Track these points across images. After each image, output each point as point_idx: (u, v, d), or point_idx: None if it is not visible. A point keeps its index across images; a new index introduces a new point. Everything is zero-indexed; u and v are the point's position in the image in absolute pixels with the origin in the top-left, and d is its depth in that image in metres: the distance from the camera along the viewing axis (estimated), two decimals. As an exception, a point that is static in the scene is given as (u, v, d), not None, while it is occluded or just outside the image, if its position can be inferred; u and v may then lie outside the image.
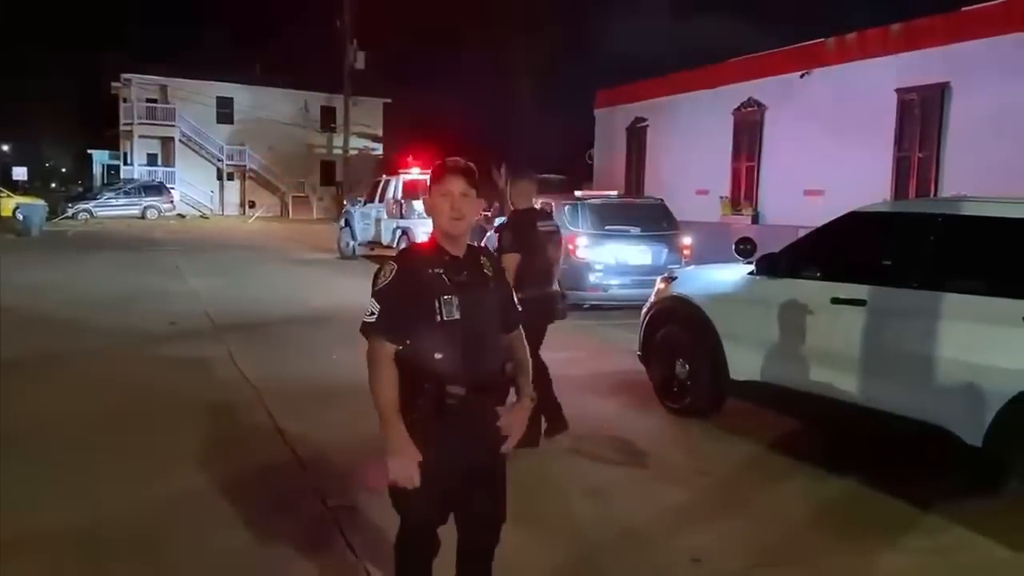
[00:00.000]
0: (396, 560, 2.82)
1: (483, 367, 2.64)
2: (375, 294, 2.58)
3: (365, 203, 18.74)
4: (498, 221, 11.26)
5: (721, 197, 17.96)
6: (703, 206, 17.68)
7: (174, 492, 4.41)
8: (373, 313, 2.56)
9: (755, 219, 17.04)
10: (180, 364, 7.49)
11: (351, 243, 18.97)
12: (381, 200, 17.94)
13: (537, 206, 5.87)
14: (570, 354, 8.55)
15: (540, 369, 5.24)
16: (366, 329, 2.58)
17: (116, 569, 3.63)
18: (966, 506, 4.38)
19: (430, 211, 2.66)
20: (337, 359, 7.59)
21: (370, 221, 18.19)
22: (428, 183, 2.73)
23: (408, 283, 2.55)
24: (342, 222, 20.08)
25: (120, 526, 4.00)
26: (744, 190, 17.66)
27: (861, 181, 13.45)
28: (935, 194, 13.01)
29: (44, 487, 4.46)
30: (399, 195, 17.33)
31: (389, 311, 2.55)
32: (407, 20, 41.19)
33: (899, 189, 13.86)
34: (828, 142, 14.79)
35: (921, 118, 13.70)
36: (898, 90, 14.03)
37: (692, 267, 7.72)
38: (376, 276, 2.61)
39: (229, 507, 4.24)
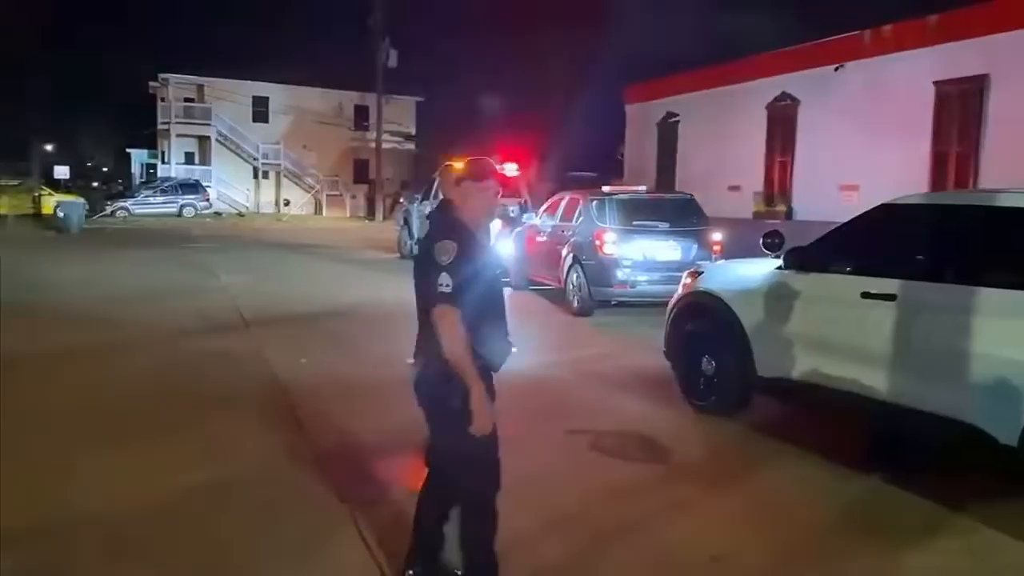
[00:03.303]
0: (476, 547, 3.04)
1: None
2: (447, 268, 2.81)
3: (421, 200, 18.55)
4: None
5: (754, 193, 17.73)
6: (736, 202, 17.48)
7: (192, 484, 4.43)
8: (448, 285, 2.81)
9: (789, 215, 16.79)
10: (210, 359, 7.54)
11: (408, 242, 18.70)
12: (436, 197, 17.69)
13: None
14: (596, 350, 8.53)
15: None
16: (444, 299, 2.82)
17: (128, 560, 3.64)
18: (999, 508, 4.25)
19: (470, 199, 3.02)
20: (378, 353, 7.63)
21: (423, 218, 18.00)
22: (465, 175, 3.08)
23: (471, 258, 2.89)
24: (401, 220, 19.66)
25: (135, 518, 4.02)
26: (778, 186, 17.41)
27: (897, 176, 13.12)
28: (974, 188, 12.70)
29: (62, 478, 4.50)
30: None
31: (461, 283, 2.83)
32: (439, 18, 41.27)
33: (936, 184, 13.56)
34: (863, 136, 14.53)
35: (959, 111, 13.40)
36: (936, 83, 13.75)
37: (718, 262, 7.59)
38: (436, 251, 2.84)
39: (245, 501, 4.25)
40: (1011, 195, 4.52)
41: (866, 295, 4.74)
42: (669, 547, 3.84)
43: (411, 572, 3.24)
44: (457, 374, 2.83)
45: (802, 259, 5.32)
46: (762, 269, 5.72)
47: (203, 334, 8.79)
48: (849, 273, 4.98)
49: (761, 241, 5.71)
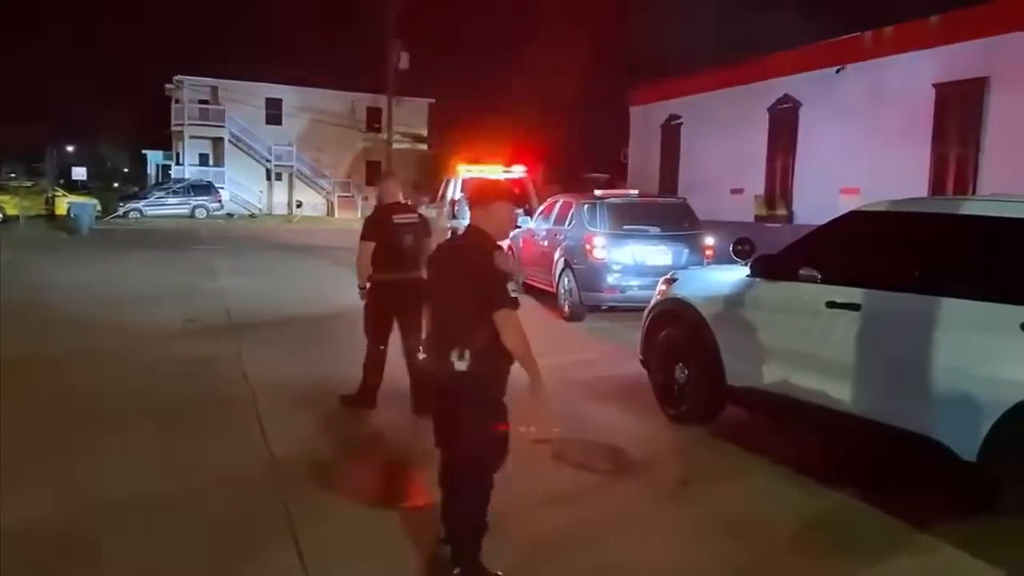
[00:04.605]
0: (467, 521, 3.35)
1: None
2: (505, 277, 3.26)
3: (430, 203, 18.43)
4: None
5: (755, 196, 17.58)
6: (739, 205, 17.35)
7: (139, 491, 4.39)
8: (515, 291, 3.29)
9: (790, 218, 16.64)
10: (186, 362, 7.53)
11: None
12: (444, 198, 17.56)
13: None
14: (579, 356, 8.45)
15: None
16: (513, 303, 3.26)
17: (62, 568, 3.62)
18: (962, 526, 4.12)
19: (503, 218, 3.46)
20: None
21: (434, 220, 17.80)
22: (497, 195, 3.49)
23: None
24: None
25: (76, 525, 4.00)
26: (779, 189, 17.27)
27: (898, 179, 12.99)
28: (974, 192, 12.52)
29: (11, 487, 4.46)
30: (458, 194, 16.68)
31: None
32: (450, 20, 41.27)
33: (937, 187, 13.40)
34: (864, 139, 14.38)
35: (959, 114, 13.22)
36: (936, 85, 13.57)
37: (692, 268, 7.50)
38: (497, 260, 3.24)
39: (186, 509, 4.19)
40: (974, 203, 4.43)
41: (831, 304, 4.65)
42: (613, 562, 3.76)
43: (457, 571, 3.37)
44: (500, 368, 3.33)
45: (769, 267, 5.23)
46: (732, 277, 5.64)
47: (188, 337, 8.78)
48: (815, 282, 4.88)
49: (731, 248, 5.63)
